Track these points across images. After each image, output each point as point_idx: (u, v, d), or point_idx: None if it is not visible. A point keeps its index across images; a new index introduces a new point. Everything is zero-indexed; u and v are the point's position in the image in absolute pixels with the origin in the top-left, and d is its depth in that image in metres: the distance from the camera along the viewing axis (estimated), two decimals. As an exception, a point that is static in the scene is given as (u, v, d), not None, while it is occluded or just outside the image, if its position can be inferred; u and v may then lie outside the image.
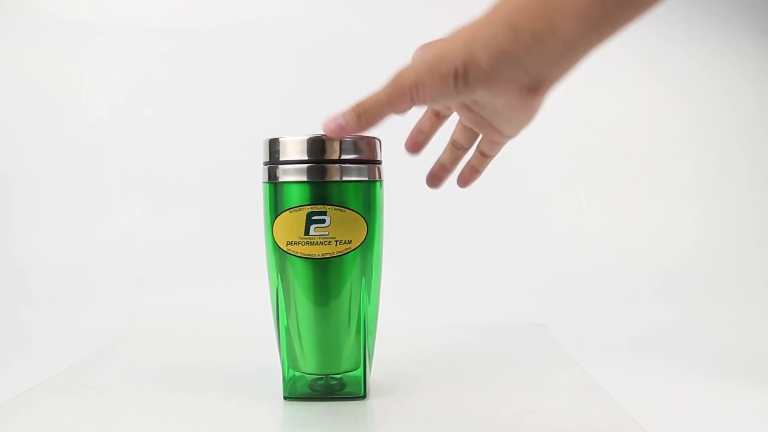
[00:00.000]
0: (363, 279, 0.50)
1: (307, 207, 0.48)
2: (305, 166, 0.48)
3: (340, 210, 0.48)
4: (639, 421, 0.47)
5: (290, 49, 1.07)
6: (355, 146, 0.48)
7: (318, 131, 0.48)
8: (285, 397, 0.52)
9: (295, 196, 0.48)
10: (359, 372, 0.52)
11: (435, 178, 0.54)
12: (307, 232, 0.48)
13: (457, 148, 0.53)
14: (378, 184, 0.51)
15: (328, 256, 0.48)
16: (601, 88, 1.11)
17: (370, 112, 0.42)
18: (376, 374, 0.56)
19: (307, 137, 0.48)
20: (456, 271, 0.98)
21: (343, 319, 0.50)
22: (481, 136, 0.53)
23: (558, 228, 1.06)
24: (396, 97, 0.41)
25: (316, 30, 1.07)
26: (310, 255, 0.48)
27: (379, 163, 0.51)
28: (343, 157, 0.48)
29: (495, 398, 0.53)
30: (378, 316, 0.53)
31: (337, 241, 0.48)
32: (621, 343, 0.74)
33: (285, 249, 0.49)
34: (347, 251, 0.48)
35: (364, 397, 0.52)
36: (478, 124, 0.48)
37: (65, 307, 0.88)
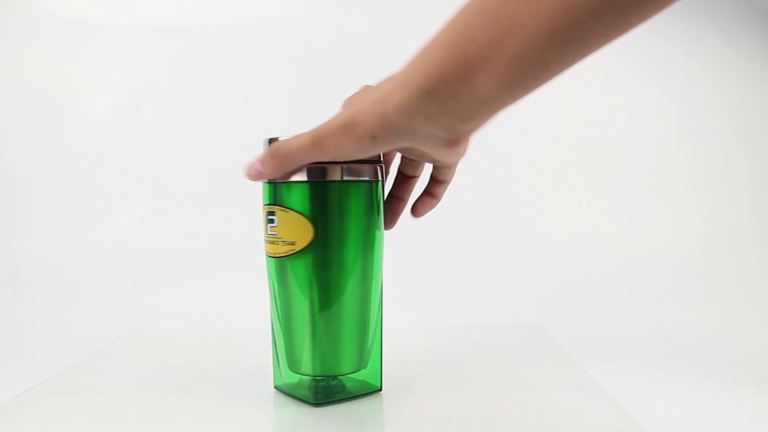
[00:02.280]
0: (315, 281, 0.48)
1: (267, 206, 0.49)
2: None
3: (284, 210, 0.48)
4: (639, 421, 0.47)
5: (290, 49, 1.07)
6: None
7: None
8: (275, 387, 0.54)
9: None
10: (356, 374, 0.52)
11: (392, 214, 0.53)
12: (266, 231, 0.50)
13: (407, 177, 0.53)
14: (379, 183, 0.51)
15: (278, 255, 0.49)
16: (600, 87, 1.11)
17: (286, 157, 0.44)
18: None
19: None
20: (455, 272, 0.98)
21: (299, 321, 0.49)
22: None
23: (558, 228, 1.06)
24: (313, 151, 0.42)
25: (316, 30, 1.07)
26: (268, 253, 0.50)
27: (380, 163, 0.51)
28: None
29: (495, 398, 0.53)
30: (376, 318, 0.52)
31: (283, 242, 0.48)
32: (621, 343, 0.74)
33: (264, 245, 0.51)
34: (291, 252, 0.48)
35: (314, 404, 0.51)
36: (421, 156, 0.47)
37: (65, 307, 0.88)
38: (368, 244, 0.50)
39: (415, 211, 0.53)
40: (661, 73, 1.14)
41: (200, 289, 0.93)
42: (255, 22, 1.07)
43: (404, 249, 0.91)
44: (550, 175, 1.09)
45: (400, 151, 0.49)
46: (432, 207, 0.54)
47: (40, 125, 1.03)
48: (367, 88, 0.45)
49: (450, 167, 0.51)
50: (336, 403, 0.51)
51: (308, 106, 0.77)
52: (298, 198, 0.47)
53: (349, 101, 0.47)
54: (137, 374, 0.61)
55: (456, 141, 0.39)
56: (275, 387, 0.54)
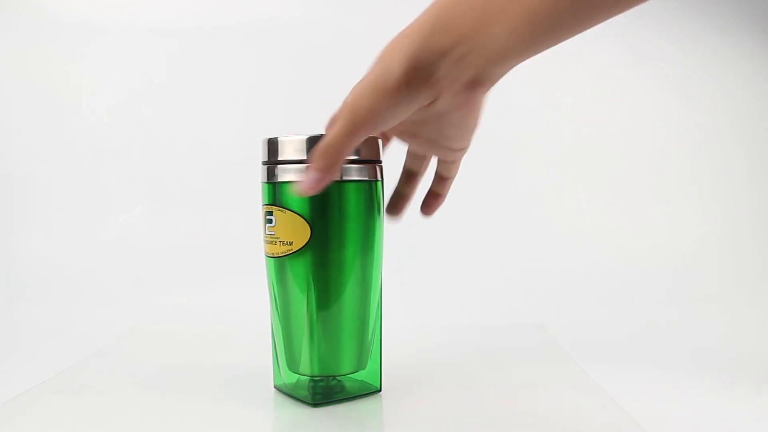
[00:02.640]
0: (313, 281, 0.48)
1: (266, 206, 0.49)
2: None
3: (282, 211, 0.48)
4: (639, 421, 0.47)
5: (290, 49, 1.07)
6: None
7: (318, 130, 0.48)
8: (275, 386, 0.54)
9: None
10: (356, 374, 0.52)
11: (395, 209, 0.54)
12: (265, 231, 0.49)
13: (410, 176, 0.53)
14: (378, 183, 0.51)
15: (276, 255, 0.49)
16: (600, 87, 1.11)
17: (331, 151, 0.42)
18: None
19: (306, 137, 0.48)
20: (455, 272, 0.98)
21: (298, 321, 0.49)
22: (435, 160, 0.53)
23: (557, 228, 1.06)
24: (354, 128, 0.40)
25: (316, 30, 1.07)
26: (267, 253, 0.50)
27: (380, 163, 0.51)
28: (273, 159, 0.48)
29: (495, 398, 0.53)
30: (375, 318, 0.52)
31: (281, 242, 0.48)
32: (621, 343, 0.74)
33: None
34: (289, 252, 0.48)
35: (311, 405, 0.51)
36: (427, 147, 0.48)
37: (65, 307, 0.88)
38: (367, 245, 0.50)
39: (427, 209, 0.54)
40: (661, 73, 1.14)
41: (200, 289, 0.93)
42: (255, 22, 1.07)
43: (405, 249, 0.91)
44: (550, 175, 1.09)
45: (415, 139, 0.48)
46: (439, 205, 0.54)
47: (40, 125, 1.03)
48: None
49: (457, 159, 0.51)
50: (335, 403, 0.51)
51: (308, 106, 0.77)
52: (296, 198, 0.47)
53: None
54: (137, 374, 0.61)
55: (478, 84, 0.39)
56: (275, 387, 0.54)
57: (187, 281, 0.94)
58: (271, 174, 0.49)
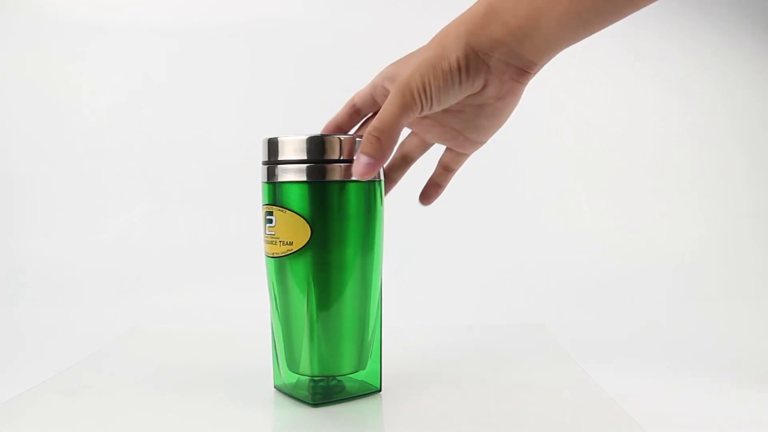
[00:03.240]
0: (313, 281, 0.48)
1: (266, 206, 0.49)
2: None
3: (282, 211, 0.48)
4: (639, 421, 0.47)
5: (290, 49, 1.07)
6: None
7: (318, 130, 0.48)
8: (275, 387, 0.54)
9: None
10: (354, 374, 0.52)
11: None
12: (265, 231, 0.49)
13: (405, 162, 0.54)
14: (379, 183, 0.51)
15: (276, 255, 0.49)
16: (600, 87, 1.11)
17: (386, 129, 0.42)
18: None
19: (307, 137, 0.48)
20: (455, 272, 0.98)
21: (298, 321, 0.49)
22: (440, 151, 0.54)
23: (557, 228, 1.06)
24: (407, 105, 0.42)
25: (316, 30, 1.07)
26: (267, 253, 0.50)
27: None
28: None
29: (494, 398, 0.53)
30: (375, 318, 0.52)
31: (281, 242, 0.48)
32: (621, 343, 0.74)
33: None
34: (289, 252, 0.48)
35: (311, 405, 0.51)
36: (449, 137, 0.50)
37: (65, 307, 0.88)
38: (368, 245, 0.50)
39: (426, 198, 0.55)
40: (661, 73, 1.14)
41: (200, 289, 0.93)
42: (255, 22, 1.07)
43: (405, 249, 0.91)
44: (551, 175, 1.09)
45: (439, 128, 0.49)
46: (438, 196, 0.56)
47: (40, 125, 1.03)
48: (409, 55, 0.47)
49: (469, 153, 0.52)
50: (335, 403, 0.51)
51: (308, 106, 0.77)
52: (297, 198, 0.47)
53: (401, 62, 0.48)
54: (137, 374, 0.61)
55: (527, 71, 0.43)
56: (275, 387, 0.54)
57: (187, 281, 0.94)
58: (271, 174, 0.49)
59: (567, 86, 1.10)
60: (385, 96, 0.48)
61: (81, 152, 1.03)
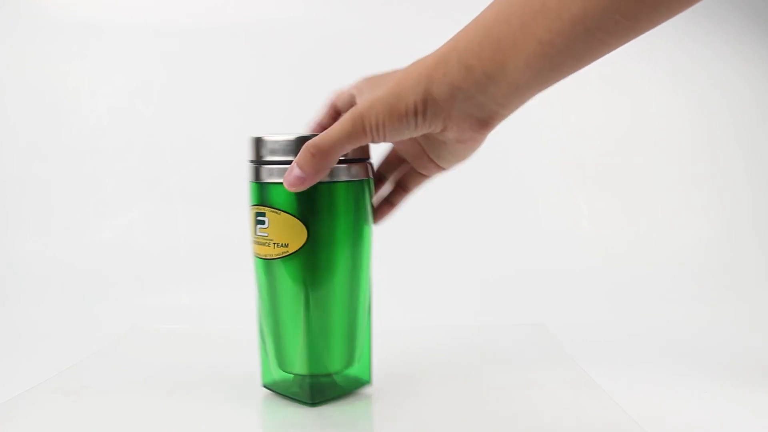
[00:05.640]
0: (308, 282, 0.48)
1: (255, 207, 0.49)
2: (258, 161, 0.47)
3: (276, 212, 0.47)
4: (639, 421, 0.47)
5: (290, 50, 1.07)
6: None
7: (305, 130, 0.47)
8: (263, 385, 0.54)
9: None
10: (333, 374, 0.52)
11: (381, 214, 0.53)
12: (255, 232, 0.49)
13: (378, 180, 0.53)
14: (370, 181, 0.50)
15: (269, 257, 0.48)
16: (600, 88, 1.11)
17: (326, 150, 0.42)
18: (373, 375, 0.56)
19: (297, 136, 0.47)
20: (455, 271, 0.98)
21: (290, 321, 0.49)
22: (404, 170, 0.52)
23: (557, 228, 1.06)
24: (355, 135, 0.41)
25: (316, 30, 1.07)
26: (257, 254, 0.49)
27: (369, 161, 0.51)
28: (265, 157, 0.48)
29: (494, 398, 0.53)
30: (366, 313, 0.52)
31: (275, 244, 0.47)
32: (621, 343, 0.74)
33: (252, 243, 0.50)
34: (284, 255, 0.47)
35: (310, 404, 0.51)
36: (415, 156, 0.49)
37: (65, 307, 0.88)
38: (358, 242, 0.49)
39: (378, 217, 0.53)
40: (661, 73, 1.14)
41: (200, 289, 0.93)
42: (255, 22, 1.07)
43: (404, 249, 0.91)
44: (550, 175, 1.09)
45: (408, 145, 0.49)
46: (389, 214, 0.54)
47: (39, 125, 1.03)
48: (383, 76, 0.46)
49: (432, 176, 0.51)
50: (331, 401, 0.51)
51: (308, 106, 0.77)
52: (291, 199, 0.47)
53: (370, 81, 0.47)
54: (137, 374, 0.61)
55: (487, 123, 0.41)
56: (264, 386, 0.54)
57: (188, 281, 0.94)
58: (259, 173, 0.48)
59: (567, 86, 1.10)
60: None
61: (80, 152, 1.03)
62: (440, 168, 0.49)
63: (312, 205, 0.47)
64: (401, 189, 0.53)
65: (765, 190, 1.13)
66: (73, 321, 0.83)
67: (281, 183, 0.46)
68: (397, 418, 0.50)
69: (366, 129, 0.41)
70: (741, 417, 0.52)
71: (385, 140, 0.42)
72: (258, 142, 0.49)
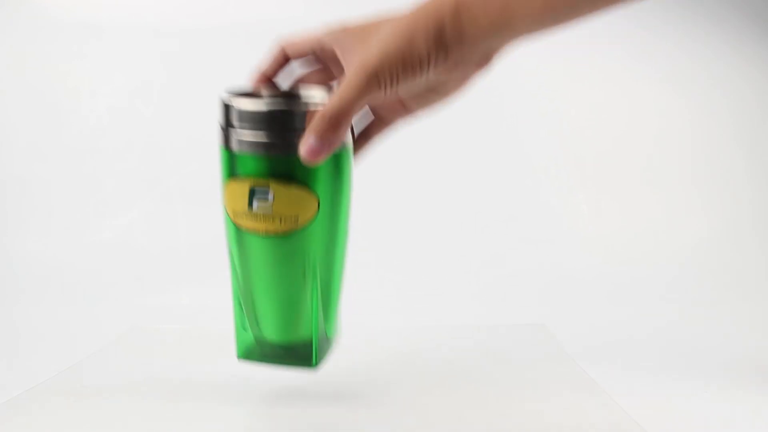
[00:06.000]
0: (308, 256, 0.46)
1: (251, 179, 0.44)
2: (264, 132, 0.44)
3: (283, 184, 0.44)
4: (639, 421, 0.47)
5: (290, 49, 1.06)
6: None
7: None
8: (239, 358, 0.50)
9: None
10: (312, 342, 0.49)
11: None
12: (250, 207, 0.45)
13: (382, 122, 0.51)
14: (346, 148, 0.47)
15: (272, 233, 0.45)
16: (600, 88, 1.11)
17: (344, 113, 0.40)
18: (374, 375, 0.56)
19: (268, 99, 0.44)
20: (455, 271, 0.98)
21: (283, 294, 0.48)
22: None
23: (558, 228, 1.05)
24: (369, 92, 0.40)
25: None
26: (255, 231, 0.46)
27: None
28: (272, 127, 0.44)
29: (495, 398, 0.53)
30: (340, 287, 0.51)
31: (281, 219, 0.44)
32: (621, 343, 0.74)
33: (231, 217, 0.46)
34: (292, 230, 0.45)
35: (312, 367, 0.49)
36: (383, 103, 0.47)
37: (65, 307, 0.88)
38: (348, 209, 0.49)
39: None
40: (661, 73, 1.14)
41: (200, 289, 0.93)
42: (255, 22, 1.07)
43: (404, 249, 0.91)
44: (551, 175, 1.09)
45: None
46: (365, 150, 0.51)
47: (40, 125, 1.03)
48: (370, 25, 0.45)
49: (412, 114, 0.48)
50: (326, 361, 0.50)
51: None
52: (301, 169, 0.44)
53: (357, 34, 0.45)
54: (137, 374, 0.61)
55: (487, 62, 0.42)
56: (241, 358, 0.51)
57: (188, 281, 0.94)
58: (228, 139, 0.46)
59: (567, 87, 1.10)
60: (333, 59, 0.47)
61: (80, 152, 1.03)
62: (409, 114, 0.47)
63: (322, 174, 0.45)
64: (364, 140, 0.50)
65: (765, 190, 1.12)
66: (73, 321, 0.83)
67: (282, 154, 0.43)
68: (397, 418, 0.50)
69: (381, 84, 0.39)
70: (741, 417, 0.52)
71: (397, 92, 0.41)
72: (227, 110, 0.46)
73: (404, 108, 0.47)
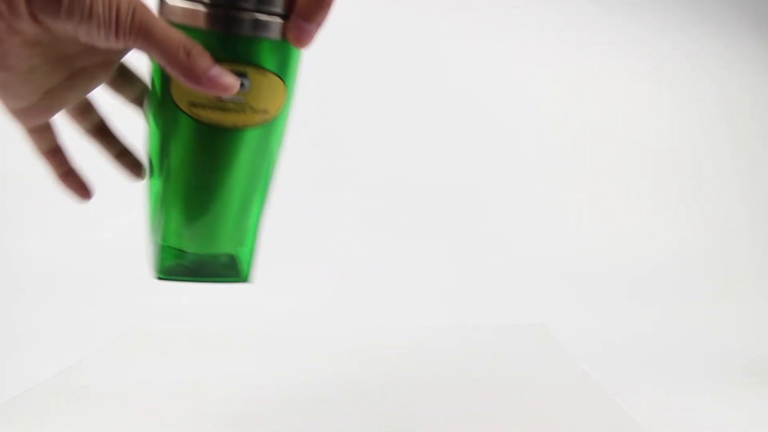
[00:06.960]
0: (265, 154, 0.43)
1: (228, 64, 0.38)
2: (276, 18, 0.39)
3: (261, 72, 0.39)
4: (639, 421, 0.47)
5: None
6: None
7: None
8: (159, 278, 0.45)
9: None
10: (242, 252, 0.46)
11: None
12: (223, 96, 0.39)
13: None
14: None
15: (240, 126, 0.40)
16: (601, 89, 1.11)
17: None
18: (374, 375, 0.56)
19: None
20: (456, 272, 0.98)
21: (230, 196, 0.43)
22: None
23: (558, 228, 1.06)
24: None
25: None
26: (218, 123, 0.40)
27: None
28: (260, 7, 0.38)
29: (495, 398, 0.53)
30: (268, 194, 0.47)
31: (252, 110, 0.40)
32: (621, 343, 0.74)
33: (186, 111, 0.40)
34: (263, 122, 0.40)
35: (244, 280, 0.46)
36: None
37: (65, 307, 0.88)
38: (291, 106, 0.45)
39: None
40: (661, 73, 1.14)
41: (200, 289, 0.93)
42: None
43: (404, 249, 0.91)
44: (551, 176, 1.09)
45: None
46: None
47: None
48: None
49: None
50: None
51: (308, 106, 0.77)
52: (275, 58, 0.40)
53: None
54: (137, 374, 0.61)
55: None
56: (162, 277, 0.46)
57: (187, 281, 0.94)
58: (233, 21, 0.38)
59: (567, 87, 1.10)
60: None
61: (80, 152, 1.03)
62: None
63: (289, 64, 0.41)
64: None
65: (764, 191, 1.13)
66: (73, 321, 0.83)
67: (264, 38, 0.39)
68: (397, 418, 0.50)
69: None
70: (741, 417, 0.52)
71: None
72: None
73: None
